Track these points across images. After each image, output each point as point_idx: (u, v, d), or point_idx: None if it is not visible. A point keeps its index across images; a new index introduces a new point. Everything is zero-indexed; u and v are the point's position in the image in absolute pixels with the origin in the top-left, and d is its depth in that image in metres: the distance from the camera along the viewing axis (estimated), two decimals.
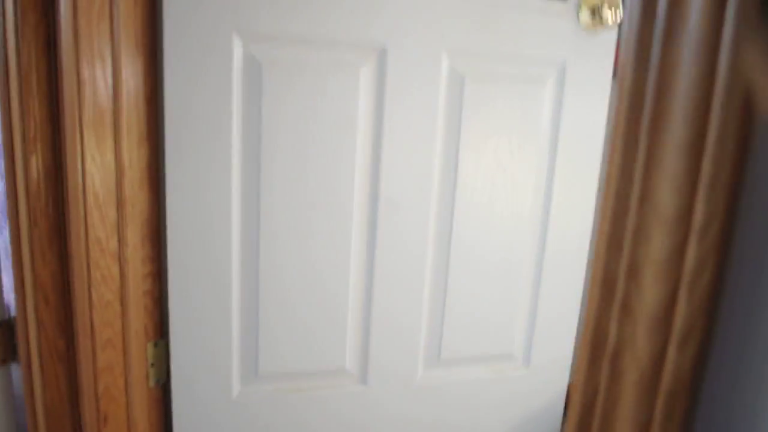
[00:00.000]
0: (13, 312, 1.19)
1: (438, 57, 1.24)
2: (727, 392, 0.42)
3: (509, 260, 1.42)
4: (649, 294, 0.43)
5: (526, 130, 1.34)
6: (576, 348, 1.56)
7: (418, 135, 1.28)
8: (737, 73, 0.38)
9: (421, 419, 1.46)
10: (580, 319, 1.56)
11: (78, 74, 1.02)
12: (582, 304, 1.54)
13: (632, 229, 0.42)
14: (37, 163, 1.08)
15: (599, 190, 1.47)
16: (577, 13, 1.26)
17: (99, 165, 1.08)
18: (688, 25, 0.40)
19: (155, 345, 1.25)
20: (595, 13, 1.25)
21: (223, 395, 1.29)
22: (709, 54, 0.38)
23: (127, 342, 1.19)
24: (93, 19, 1.02)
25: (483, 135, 1.32)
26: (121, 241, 1.14)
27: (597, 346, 0.46)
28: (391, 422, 1.43)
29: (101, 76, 1.05)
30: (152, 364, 1.26)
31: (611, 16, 1.22)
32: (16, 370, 1.23)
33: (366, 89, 1.23)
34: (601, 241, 0.45)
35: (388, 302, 1.35)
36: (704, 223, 0.38)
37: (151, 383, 1.26)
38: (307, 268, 1.28)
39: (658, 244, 0.40)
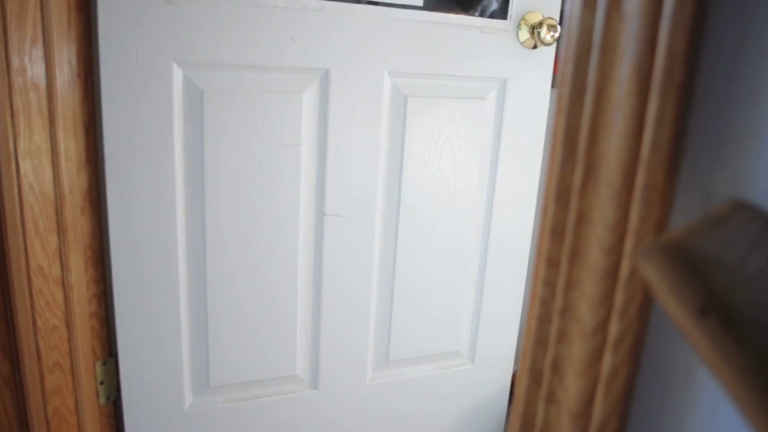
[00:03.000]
0: None
1: (380, 77, 1.25)
2: None
3: (454, 263, 1.47)
4: (572, 387, 0.46)
5: (469, 141, 1.37)
6: (519, 342, 1.64)
7: (363, 151, 1.29)
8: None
9: (372, 418, 1.51)
10: (522, 315, 1.63)
11: (11, 103, 0.99)
12: (523, 303, 1.61)
13: (555, 335, 0.46)
14: None
15: (539, 199, 1.52)
16: (517, 32, 1.28)
17: (38, 193, 1.06)
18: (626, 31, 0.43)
19: (104, 363, 1.26)
20: (534, 31, 1.26)
21: (175, 407, 1.31)
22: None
23: (76, 363, 1.19)
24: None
25: (426, 147, 1.34)
26: (64, 267, 1.13)
27: (526, 425, 0.50)
28: (343, 423, 1.48)
29: (35, 100, 1.02)
30: (101, 382, 1.26)
31: (549, 35, 1.24)
32: None
33: (309, 110, 1.23)
34: (528, 340, 0.49)
35: (337, 309, 1.38)
36: (619, 336, 0.42)
37: (102, 401, 1.27)
38: (255, 281, 1.29)
39: (578, 350, 0.44)
